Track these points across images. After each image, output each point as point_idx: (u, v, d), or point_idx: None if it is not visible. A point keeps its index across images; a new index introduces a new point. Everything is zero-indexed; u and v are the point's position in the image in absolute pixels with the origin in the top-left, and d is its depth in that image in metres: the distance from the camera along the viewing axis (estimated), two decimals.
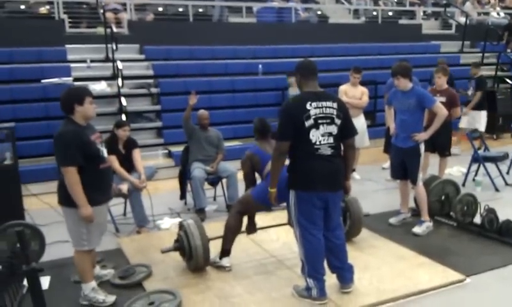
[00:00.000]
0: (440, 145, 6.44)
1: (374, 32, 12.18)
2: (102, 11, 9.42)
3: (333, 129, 3.62)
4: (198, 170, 5.90)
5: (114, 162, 5.29)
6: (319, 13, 12.67)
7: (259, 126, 4.52)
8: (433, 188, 5.52)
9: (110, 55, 8.77)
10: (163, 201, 6.18)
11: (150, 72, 9.22)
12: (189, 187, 6.16)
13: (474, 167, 6.99)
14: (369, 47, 11.41)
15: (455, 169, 7.47)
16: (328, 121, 3.60)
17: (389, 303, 3.78)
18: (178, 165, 6.84)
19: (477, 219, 5.21)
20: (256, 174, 4.44)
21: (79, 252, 3.75)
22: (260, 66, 9.79)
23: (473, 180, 6.89)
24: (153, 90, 8.90)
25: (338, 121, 3.64)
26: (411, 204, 5.64)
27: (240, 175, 4.92)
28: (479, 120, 8.91)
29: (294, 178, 3.67)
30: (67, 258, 4.38)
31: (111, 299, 3.82)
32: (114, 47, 8.63)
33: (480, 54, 12.33)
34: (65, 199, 3.61)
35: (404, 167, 5.28)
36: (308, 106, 3.56)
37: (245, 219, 4.45)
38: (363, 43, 11.46)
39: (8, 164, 5.31)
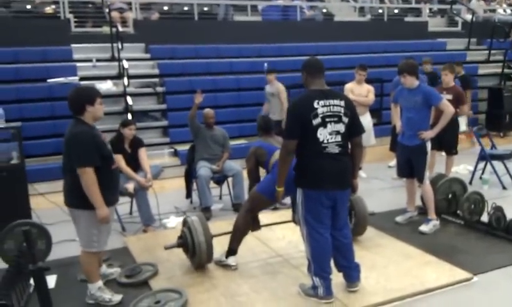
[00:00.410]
0: (447, 143, 6.41)
1: (380, 30, 12.12)
2: (107, 10, 9.45)
3: (341, 127, 3.61)
4: (203, 169, 5.90)
5: (120, 161, 5.29)
6: (324, 11, 12.62)
7: (262, 123, 4.64)
8: (440, 187, 5.49)
9: (116, 55, 8.79)
10: (169, 200, 6.19)
11: (156, 71, 9.23)
12: (194, 186, 6.16)
13: (481, 165, 6.95)
14: (375, 45, 11.36)
15: (462, 167, 7.43)
16: (336, 119, 3.58)
17: (396, 302, 3.77)
18: (184, 164, 6.84)
19: (485, 217, 5.18)
20: (261, 171, 4.44)
21: (87, 253, 3.74)
22: (265, 64, 9.76)
23: (480, 178, 6.85)
24: (159, 89, 8.91)
25: (345, 120, 3.63)
26: (418, 202, 5.61)
27: (246, 173, 4.91)
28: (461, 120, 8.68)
29: (302, 177, 3.66)
30: (74, 257, 4.40)
31: (117, 297, 3.82)
32: (120, 46, 8.63)
33: (487, 51, 12.26)
34: (78, 201, 3.56)
35: (410, 166, 5.26)
36: (315, 104, 3.54)
37: None
38: (368, 40, 11.40)
39: (15, 164, 5.34)
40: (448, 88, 6.39)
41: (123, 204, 5.64)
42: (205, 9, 11.18)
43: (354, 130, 3.72)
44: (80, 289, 3.97)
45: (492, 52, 12.20)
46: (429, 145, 5.17)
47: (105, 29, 9.25)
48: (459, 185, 5.62)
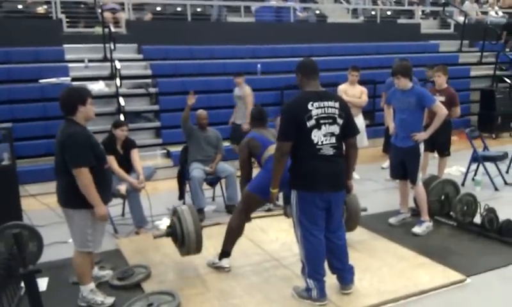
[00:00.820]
0: (440, 145, 6.42)
1: (373, 31, 12.16)
2: (100, 10, 9.40)
3: (335, 129, 3.60)
4: (196, 170, 5.88)
5: (112, 162, 5.25)
6: (317, 12, 12.65)
7: (256, 113, 4.61)
8: (433, 188, 5.50)
9: (108, 55, 8.74)
10: (162, 202, 6.15)
11: (148, 72, 9.19)
12: (187, 187, 6.13)
13: (473, 166, 6.98)
14: (368, 47, 11.39)
15: (454, 169, 7.46)
16: (330, 121, 3.57)
17: (390, 304, 3.77)
18: (177, 165, 6.81)
19: (477, 219, 5.20)
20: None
21: (81, 254, 3.71)
22: (258, 65, 9.76)
23: (473, 179, 6.87)
24: (152, 90, 8.87)
25: (340, 121, 3.62)
26: (411, 204, 5.62)
27: (239, 172, 4.88)
28: None
29: (296, 179, 3.64)
30: (65, 259, 4.36)
31: (110, 300, 3.79)
32: (112, 47, 8.59)
33: (479, 53, 12.34)
34: (71, 200, 3.57)
35: (403, 167, 5.26)
36: (309, 106, 3.53)
37: None
38: (361, 42, 11.44)
39: (6, 165, 5.27)
40: (441, 90, 6.42)
41: (116, 206, 5.60)
42: (198, 10, 11.15)
43: (348, 131, 3.71)
44: (72, 291, 3.93)
45: (484, 54, 12.28)
46: (422, 147, 5.18)
47: (98, 30, 9.20)
48: (451, 186, 5.64)
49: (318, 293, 3.69)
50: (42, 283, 4.06)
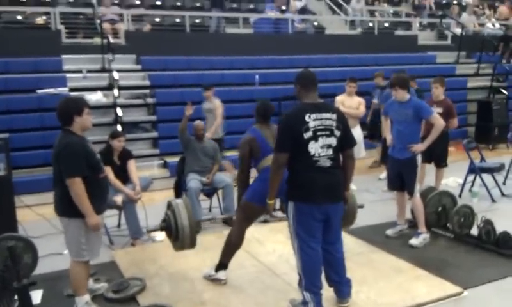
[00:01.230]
0: (437, 156, 6.42)
1: (370, 43, 12.22)
2: (98, 21, 9.43)
3: (333, 141, 3.59)
4: (193, 181, 5.86)
5: (109, 173, 5.23)
6: (315, 24, 12.72)
7: (261, 109, 4.34)
8: (430, 200, 5.49)
9: (106, 66, 8.76)
10: (158, 212, 6.08)
11: (147, 82, 9.21)
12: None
13: (470, 177, 6.97)
14: (365, 58, 11.43)
15: (451, 180, 7.45)
16: (327, 133, 3.57)
17: None
18: (174, 176, 6.79)
19: (474, 231, 5.18)
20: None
21: (77, 264, 3.70)
22: (256, 76, 9.79)
23: (470, 190, 6.87)
24: (149, 100, 8.88)
25: (337, 133, 3.61)
26: (408, 215, 5.60)
27: (235, 183, 4.86)
28: None
29: (294, 190, 3.62)
30: (60, 271, 4.33)
31: None
32: (111, 57, 8.61)
33: (476, 65, 12.39)
34: (66, 209, 3.60)
35: (401, 179, 5.26)
36: (307, 118, 3.53)
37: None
38: (359, 54, 11.48)
39: (1, 175, 5.25)
40: (439, 101, 6.43)
41: (111, 217, 5.57)
42: (197, 21, 11.20)
43: (346, 142, 3.70)
44: (67, 304, 3.91)
45: (481, 65, 12.33)
46: (419, 158, 5.18)
47: (96, 40, 9.23)
48: (448, 198, 5.63)
49: (315, 306, 3.65)
50: (36, 295, 4.03)
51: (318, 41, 11.77)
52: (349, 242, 5.21)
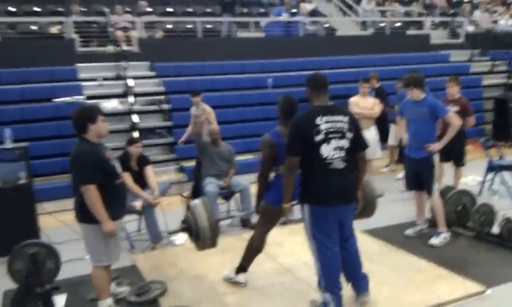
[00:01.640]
0: (455, 155, 6.37)
1: (382, 43, 12.18)
2: (111, 29, 9.53)
3: (345, 143, 3.59)
4: (211, 185, 5.90)
5: (127, 179, 5.29)
6: (326, 25, 12.71)
7: (286, 105, 4.11)
8: (449, 199, 5.46)
9: (121, 73, 8.85)
10: (177, 217, 6.14)
11: (161, 89, 9.29)
12: None
13: (490, 176, 6.90)
14: (378, 59, 11.40)
15: (470, 178, 7.37)
16: (339, 135, 3.57)
17: None
18: (191, 180, 6.84)
19: (495, 229, 5.13)
20: None
21: (98, 268, 3.76)
22: (269, 80, 9.82)
23: (489, 189, 6.80)
24: (165, 106, 8.95)
25: (349, 135, 3.62)
26: (428, 215, 5.57)
27: (253, 189, 4.86)
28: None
29: (308, 193, 3.63)
30: (83, 276, 4.38)
31: None
32: (125, 65, 8.70)
33: (490, 62, 12.28)
34: (84, 216, 3.65)
35: (418, 178, 5.23)
36: (318, 121, 3.53)
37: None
38: (371, 54, 11.46)
39: (22, 183, 5.34)
40: (454, 100, 6.38)
41: (132, 222, 5.63)
42: (209, 26, 11.27)
43: (358, 144, 3.71)
44: None
45: (496, 62, 12.21)
46: (436, 157, 5.15)
47: (110, 48, 9.33)
48: (468, 197, 5.58)
49: None
50: (60, 300, 4.09)
51: (329, 43, 11.78)
52: (369, 242, 5.21)
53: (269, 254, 4.86)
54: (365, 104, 7.30)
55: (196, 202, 4.11)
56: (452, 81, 6.49)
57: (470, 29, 13.15)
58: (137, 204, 5.27)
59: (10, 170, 5.36)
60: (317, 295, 3.83)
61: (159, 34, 10.78)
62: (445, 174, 6.51)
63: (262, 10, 12.93)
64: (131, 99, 8.43)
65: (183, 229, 4.19)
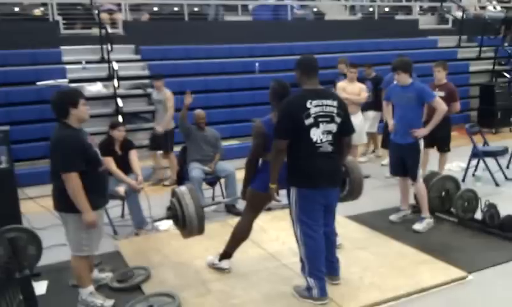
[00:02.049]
0: (440, 141, 6.39)
1: (371, 28, 12.11)
2: (96, 12, 9.36)
3: (333, 127, 3.60)
4: (196, 171, 5.85)
5: (110, 163, 5.24)
6: (315, 10, 12.62)
7: (278, 88, 3.99)
8: (433, 185, 5.48)
9: (105, 56, 8.71)
10: (161, 202, 6.10)
11: (146, 72, 9.15)
12: None
13: (474, 162, 6.95)
14: (366, 43, 11.34)
15: (454, 165, 7.42)
16: (328, 119, 3.57)
17: (391, 302, 3.75)
18: (176, 166, 6.79)
19: (478, 215, 5.17)
20: None
21: (77, 258, 3.68)
22: (256, 64, 9.74)
23: (473, 175, 6.85)
24: (150, 90, 8.80)
25: (338, 120, 3.62)
26: (411, 200, 5.59)
27: (239, 175, 4.83)
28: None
29: (296, 176, 3.64)
30: (65, 262, 4.33)
31: (109, 303, 3.76)
32: (110, 48, 8.56)
33: (478, 48, 12.31)
34: (65, 205, 3.53)
35: (403, 164, 5.24)
36: (308, 104, 3.52)
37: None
38: (359, 39, 11.39)
39: (3, 168, 5.23)
40: (441, 85, 6.38)
41: (115, 208, 5.58)
42: (195, 9, 11.12)
43: (345, 129, 3.71)
44: (71, 294, 3.90)
45: (483, 49, 12.24)
46: (422, 143, 5.16)
47: (95, 31, 9.16)
48: (452, 182, 5.61)
49: (319, 292, 3.67)
50: (41, 286, 4.05)
51: (318, 28, 11.68)
52: (352, 228, 5.23)
53: (253, 240, 4.84)
54: (352, 89, 7.27)
55: (183, 189, 4.02)
56: (440, 66, 6.48)
57: (459, 14, 13.12)
58: (121, 189, 5.22)
59: None
60: (301, 281, 3.84)
61: (145, 16, 10.61)
62: (429, 160, 6.54)
63: None
64: (115, 83, 8.30)
65: (169, 217, 4.13)
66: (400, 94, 5.19)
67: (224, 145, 6.55)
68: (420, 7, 14.08)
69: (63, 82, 8.00)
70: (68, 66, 8.51)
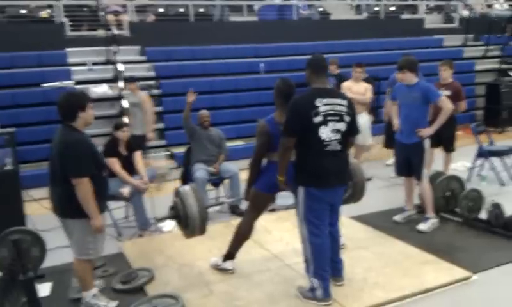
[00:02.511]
0: (445, 140, 6.35)
1: (376, 27, 12.08)
2: (102, 13, 9.40)
3: (342, 126, 3.61)
4: (200, 171, 5.86)
5: (115, 164, 5.26)
6: (320, 9, 12.61)
7: (283, 87, 3.98)
8: (438, 185, 5.45)
9: (111, 58, 8.74)
10: (166, 203, 6.11)
11: (152, 73, 9.18)
12: None
13: (479, 161, 6.90)
14: (372, 43, 11.32)
15: (459, 164, 7.37)
16: (337, 118, 3.59)
17: (396, 302, 3.73)
18: (181, 167, 6.79)
19: (483, 215, 5.14)
20: None
21: (81, 261, 3.67)
22: (262, 64, 9.74)
23: (479, 174, 6.80)
24: (155, 91, 8.86)
25: (347, 119, 3.64)
26: (416, 200, 5.56)
27: (244, 175, 4.81)
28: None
29: (305, 175, 3.64)
30: (68, 264, 4.32)
31: (113, 304, 3.78)
32: (116, 49, 8.60)
33: (484, 47, 12.23)
34: (72, 210, 3.48)
35: (408, 164, 5.21)
36: (317, 102, 3.53)
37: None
38: (365, 39, 11.36)
39: (9, 170, 5.28)
40: (447, 84, 6.35)
41: (119, 209, 5.59)
42: (201, 10, 11.17)
43: (351, 130, 3.73)
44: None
45: (489, 47, 12.16)
46: (427, 143, 5.12)
47: (100, 33, 9.21)
48: (457, 182, 5.58)
49: (322, 292, 3.66)
50: (45, 288, 4.07)
51: (323, 27, 11.68)
52: (356, 228, 5.22)
53: (257, 241, 4.85)
54: (357, 89, 7.24)
55: (186, 189, 4.02)
56: (446, 64, 6.45)
57: (465, 13, 13.05)
58: (125, 190, 5.22)
59: None
60: (305, 281, 3.84)
61: (150, 18, 10.66)
62: (434, 160, 6.50)
63: None
64: (121, 84, 8.34)
65: (172, 217, 4.13)
66: (405, 93, 5.16)
67: (230, 146, 6.54)
68: (426, 6, 14.01)
69: (68, 83, 8.05)
70: (73, 68, 8.56)
